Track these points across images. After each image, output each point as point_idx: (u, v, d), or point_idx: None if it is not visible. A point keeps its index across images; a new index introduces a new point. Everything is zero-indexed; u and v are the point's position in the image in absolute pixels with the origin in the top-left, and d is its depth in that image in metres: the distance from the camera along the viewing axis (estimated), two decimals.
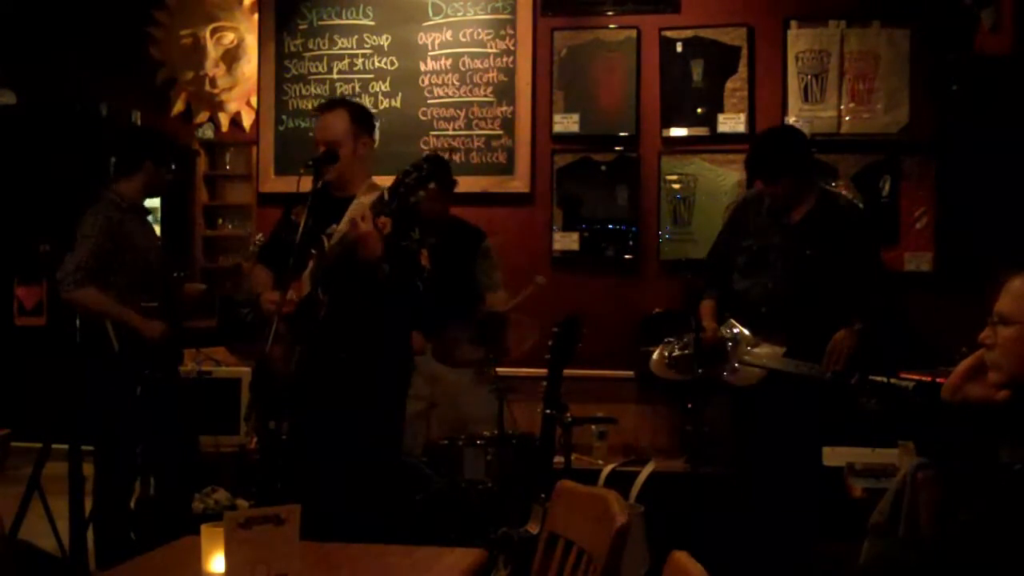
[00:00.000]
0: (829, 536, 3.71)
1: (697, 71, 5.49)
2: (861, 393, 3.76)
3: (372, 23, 5.86)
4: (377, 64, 5.86)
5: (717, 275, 4.22)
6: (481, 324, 4.35)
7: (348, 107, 3.73)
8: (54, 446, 4.27)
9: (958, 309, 4.19)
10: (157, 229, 5.20)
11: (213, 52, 6.13)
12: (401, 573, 2.25)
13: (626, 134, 5.57)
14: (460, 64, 5.75)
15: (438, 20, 5.78)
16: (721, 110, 5.45)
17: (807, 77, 5.40)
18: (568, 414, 4.04)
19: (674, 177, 5.52)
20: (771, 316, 4.00)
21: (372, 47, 5.86)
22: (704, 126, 5.48)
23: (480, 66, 5.73)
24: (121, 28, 6.20)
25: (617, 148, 5.59)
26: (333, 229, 3.50)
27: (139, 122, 6.19)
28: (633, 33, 5.56)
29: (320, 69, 5.92)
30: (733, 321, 4.10)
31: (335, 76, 5.90)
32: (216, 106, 6.16)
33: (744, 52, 5.43)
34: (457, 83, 5.75)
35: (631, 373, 5.33)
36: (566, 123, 5.62)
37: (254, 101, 6.07)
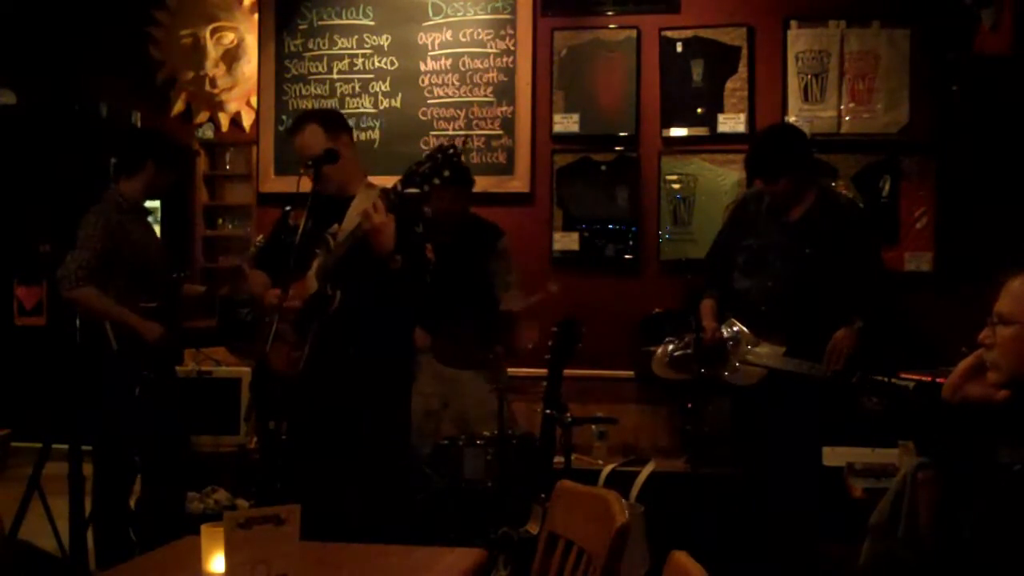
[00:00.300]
0: (829, 536, 3.71)
1: (697, 71, 5.49)
2: (862, 392, 3.76)
3: (372, 23, 5.87)
4: (377, 64, 5.86)
5: (717, 274, 4.21)
6: (488, 322, 4.37)
7: (315, 119, 3.71)
8: (54, 446, 4.27)
9: (958, 309, 4.20)
10: (157, 229, 5.21)
11: (213, 52, 6.12)
12: (401, 573, 2.25)
13: (626, 134, 5.57)
14: (460, 64, 5.76)
15: (438, 20, 5.79)
16: (721, 110, 5.45)
17: (807, 77, 5.40)
18: (568, 414, 4.04)
19: (674, 177, 5.52)
20: (771, 315, 4.00)
21: (372, 47, 5.86)
22: (704, 126, 5.48)
23: (480, 66, 5.73)
24: (121, 28, 6.20)
25: (617, 148, 5.59)
26: (336, 229, 3.51)
27: (139, 122, 6.19)
28: (633, 33, 5.56)
29: (320, 69, 5.92)
30: (734, 320, 4.10)
31: (335, 76, 5.90)
32: (216, 106, 6.16)
33: (744, 52, 5.43)
34: (457, 83, 5.76)
35: (631, 373, 5.33)
36: (566, 123, 5.62)
37: (254, 101, 6.07)
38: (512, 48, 5.70)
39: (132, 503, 4.32)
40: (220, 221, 6.31)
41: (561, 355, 3.83)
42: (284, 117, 5.95)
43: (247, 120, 6.13)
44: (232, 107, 6.15)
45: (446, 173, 3.26)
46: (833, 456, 4.04)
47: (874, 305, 4.01)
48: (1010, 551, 2.26)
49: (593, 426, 5.00)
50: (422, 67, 5.80)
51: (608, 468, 4.78)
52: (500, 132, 5.70)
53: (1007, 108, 5.02)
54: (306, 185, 3.73)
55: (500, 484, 4.14)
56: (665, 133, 5.54)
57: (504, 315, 4.48)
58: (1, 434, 6.19)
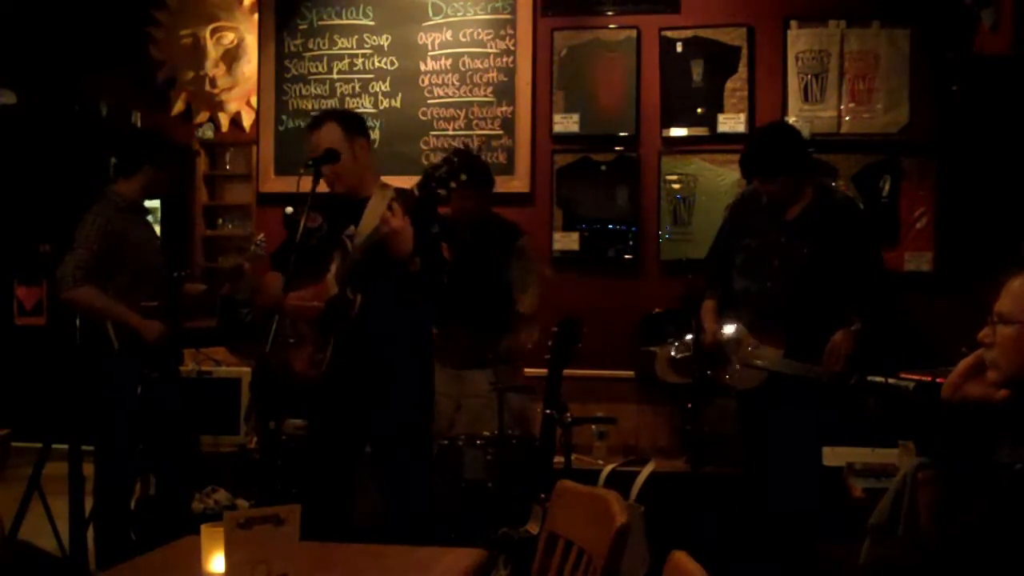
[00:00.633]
0: (829, 536, 3.71)
1: (697, 71, 5.49)
2: (860, 394, 3.76)
3: (372, 23, 5.87)
4: (377, 64, 5.86)
5: (717, 275, 4.21)
6: (496, 322, 4.37)
7: (335, 118, 3.73)
8: (54, 446, 4.27)
9: (958, 309, 4.20)
10: (157, 229, 5.20)
11: (213, 52, 6.12)
12: (401, 573, 2.25)
13: (626, 134, 5.57)
14: (460, 64, 5.76)
15: (438, 20, 5.79)
16: (721, 110, 5.45)
17: (807, 77, 5.40)
18: (568, 414, 4.04)
19: (674, 177, 5.52)
20: (770, 316, 4.00)
21: (372, 47, 5.86)
22: (704, 126, 5.48)
23: (480, 66, 5.73)
24: (121, 28, 6.20)
25: (617, 148, 5.59)
26: (352, 231, 3.53)
27: (139, 122, 6.19)
28: (633, 33, 5.56)
29: (320, 69, 5.92)
30: (734, 321, 4.10)
31: (335, 76, 5.90)
32: (216, 106, 6.16)
33: (744, 52, 5.43)
34: (457, 83, 5.76)
35: (631, 373, 5.33)
36: (566, 123, 5.62)
37: (254, 101, 6.07)
38: (512, 48, 5.70)
39: (132, 503, 4.32)
40: (220, 221, 6.31)
41: (561, 355, 3.83)
42: (284, 117, 5.96)
43: (247, 120, 6.13)
44: (232, 107, 6.15)
45: (463, 177, 3.29)
46: (833, 456, 4.03)
47: (873, 305, 4.01)
48: (1010, 551, 2.26)
49: (593, 426, 5.00)
50: (422, 67, 5.80)
51: (608, 468, 4.78)
52: (500, 132, 5.70)
53: (1007, 108, 5.01)
54: (306, 185, 3.74)
55: (500, 484, 4.14)
56: (665, 133, 5.54)
57: (512, 315, 4.49)
58: (1, 434, 6.19)
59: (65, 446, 4.22)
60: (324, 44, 5.92)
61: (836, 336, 3.90)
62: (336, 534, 2.89)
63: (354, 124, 3.72)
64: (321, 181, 3.58)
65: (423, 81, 5.80)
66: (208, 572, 1.93)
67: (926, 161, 5.28)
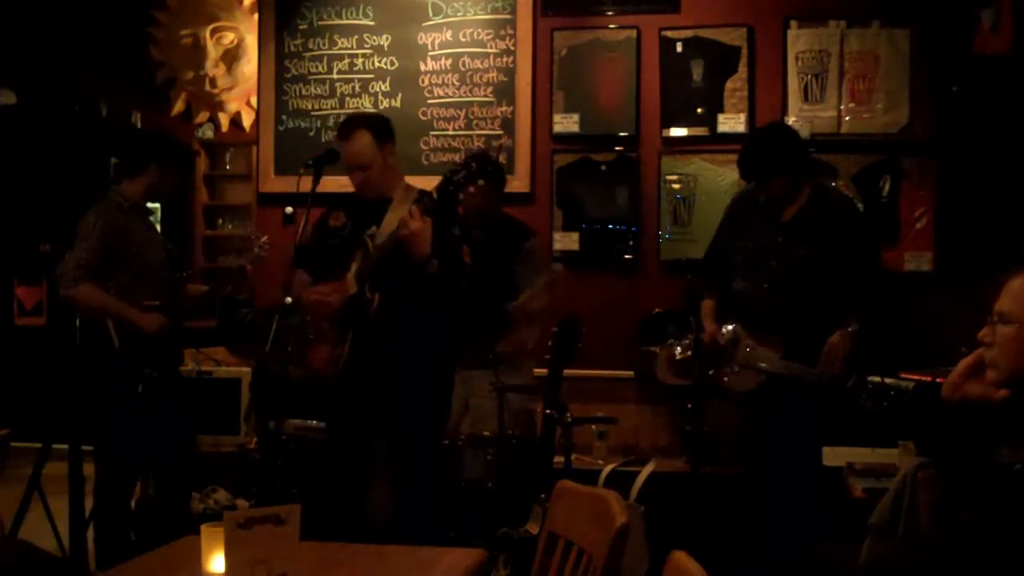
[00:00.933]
0: (829, 536, 3.71)
1: (697, 71, 5.49)
2: (858, 395, 3.76)
3: (372, 23, 5.87)
4: (377, 64, 5.86)
5: (716, 275, 4.21)
6: (497, 321, 4.37)
7: (365, 125, 3.77)
8: (54, 446, 4.27)
9: (958, 309, 4.18)
10: (157, 229, 5.20)
11: (213, 52, 6.12)
12: (401, 573, 2.25)
13: (626, 134, 5.57)
14: (460, 64, 5.76)
15: (438, 20, 5.79)
16: (721, 110, 5.45)
17: (807, 77, 5.40)
18: (568, 414, 4.04)
19: (674, 177, 5.52)
20: (768, 316, 3.99)
21: (372, 47, 5.86)
22: (704, 126, 5.48)
23: (480, 66, 5.73)
24: (121, 28, 6.20)
25: (617, 148, 5.59)
26: (374, 231, 3.55)
27: (139, 122, 6.19)
28: (633, 33, 5.56)
29: (320, 69, 5.92)
30: (732, 322, 4.09)
31: (335, 76, 5.90)
32: (216, 106, 6.16)
33: (744, 52, 5.43)
34: (457, 83, 5.76)
35: (631, 373, 5.33)
36: (566, 123, 5.62)
37: (254, 101, 6.07)
38: (512, 48, 5.70)
39: (132, 503, 4.32)
40: (220, 221, 6.30)
41: (561, 355, 3.84)
42: (284, 117, 5.96)
43: (247, 120, 6.13)
44: (232, 107, 6.15)
45: (481, 182, 3.33)
46: (833, 456, 4.04)
47: (870, 305, 4.00)
48: (1010, 551, 2.26)
49: (593, 426, 5.00)
50: (422, 67, 5.80)
51: (608, 468, 4.78)
52: (500, 132, 5.70)
53: (1007, 108, 5.02)
54: (306, 185, 3.76)
55: (500, 484, 4.14)
56: (665, 133, 5.54)
57: (509, 314, 4.49)
58: (1, 434, 6.19)
59: (65, 446, 4.22)
60: (324, 44, 5.92)
61: (833, 337, 3.90)
62: (346, 532, 2.90)
63: (383, 130, 3.76)
64: (340, 181, 3.63)
65: (423, 81, 5.80)
66: (208, 572, 1.93)
67: (926, 161, 5.28)
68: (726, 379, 4.05)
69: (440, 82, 5.78)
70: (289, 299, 3.75)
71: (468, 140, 5.69)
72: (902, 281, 5.13)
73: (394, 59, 5.84)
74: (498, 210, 4.63)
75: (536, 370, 4.47)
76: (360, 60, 5.88)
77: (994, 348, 2.41)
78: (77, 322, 4.18)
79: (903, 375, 3.71)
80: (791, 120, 5.32)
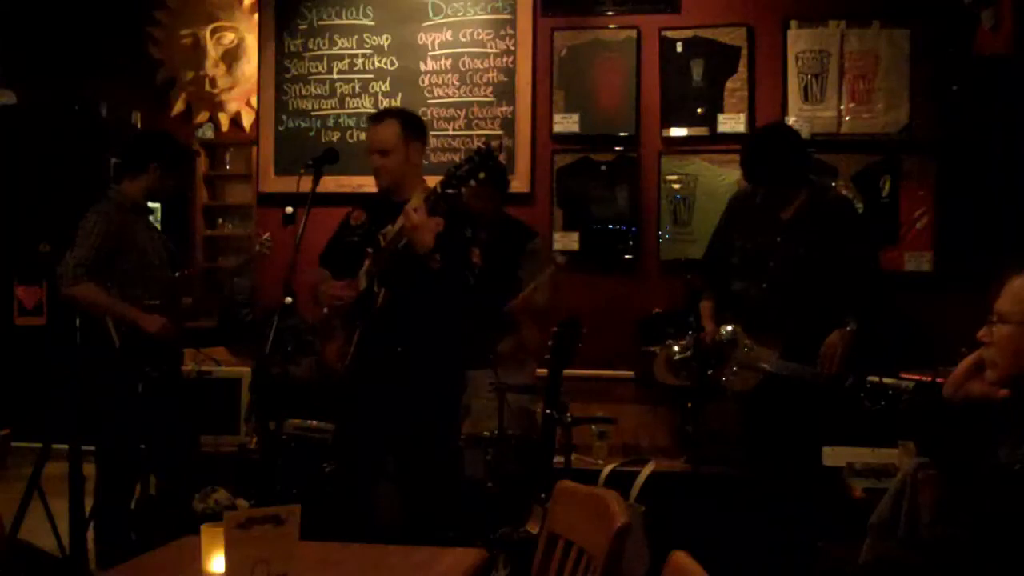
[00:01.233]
0: (829, 536, 3.71)
1: (697, 71, 5.49)
2: (856, 395, 3.76)
3: (372, 23, 5.86)
4: (377, 64, 5.86)
5: (714, 275, 4.21)
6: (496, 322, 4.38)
7: (398, 116, 3.82)
8: (54, 446, 4.27)
9: (958, 309, 4.18)
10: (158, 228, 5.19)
11: (213, 52, 6.12)
12: (401, 573, 2.25)
13: (626, 134, 5.57)
14: (460, 64, 5.75)
15: (438, 20, 5.78)
16: (721, 110, 5.44)
17: (807, 77, 5.39)
18: (568, 414, 4.04)
19: (674, 177, 5.52)
20: (767, 316, 4.00)
21: (372, 47, 5.86)
22: (704, 126, 5.47)
23: (480, 66, 5.73)
24: (121, 28, 6.20)
25: (617, 148, 5.59)
26: (388, 229, 3.57)
27: (139, 122, 6.19)
28: (633, 33, 5.56)
29: (320, 69, 5.92)
30: (731, 322, 4.09)
31: (335, 76, 5.90)
32: (216, 106, 6.16)
33: (744, 52, 5.43)
34: (457, 83, 5.75)
35: (631, 373, 5.33)
36: (566, 123, 5.62)
37: (254, 101, 6.06)
38: (512, 48, 5.70)
39: (132, 503, 4.32)
40: (220, 221, 6.30)
41: (561, 355, 3.84)
42: (284, 117, 5.96)
43: (247, 120, 6.13)
44: (232, 107, 6.15)
45: (482, 175, 3.34)
46: (833, 456, 4.04)
47: (868, 305, 4.00)
48: (1010, 551, 2.26)
49: (593, 426, 5.00)
50: (422, 67, 5.80)
51: (608, 468, 4.77)
52: (500, 132, 5.70)
53: (1007, 108, 5.02)
54: (306, 185, 3.77)
55: (500, 484, 4.14)
56: (665, 133, 5.54)
57: (512, 310, 4.49)
58: (1, 434, 6.19)
59: (65, 446, 4.22)
60: (324, 44, 5.92)
61: (831, 337, 3.90)
62: (353, 532, 2.91)
63: (414, 126, 3.79)
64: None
65: (423, 81, 5.80)
66: (208, 572, 1.93)
67: (926, 161, 5.28)
68: (725, 379, 4.06)
69: (440, 82, 5.78)
70: (289, 299, 3.76)
71: (468, 140, 5.69)
72: (902, 281, 5.13)
73: (394, 59, 5.84)
74: (501, 211, 4.63)
75: (536, 370, 4.47)
76: (360, 60, 5.88)
77: (992, 348, 2.41)
78: (77, 322, 4.18)
79: (903, 375, 3.72)
80: (791, 120, 5.31)
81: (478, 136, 5.70)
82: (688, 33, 5.50)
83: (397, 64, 5.83)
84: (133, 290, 4.11)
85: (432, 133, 5.76)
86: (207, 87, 6.13)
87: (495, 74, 5.72)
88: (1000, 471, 2.33)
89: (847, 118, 5.36)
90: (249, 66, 6.10)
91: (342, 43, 5.89)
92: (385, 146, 3.70)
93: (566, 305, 4.60)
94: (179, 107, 6.19)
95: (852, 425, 4.01)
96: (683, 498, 4.25)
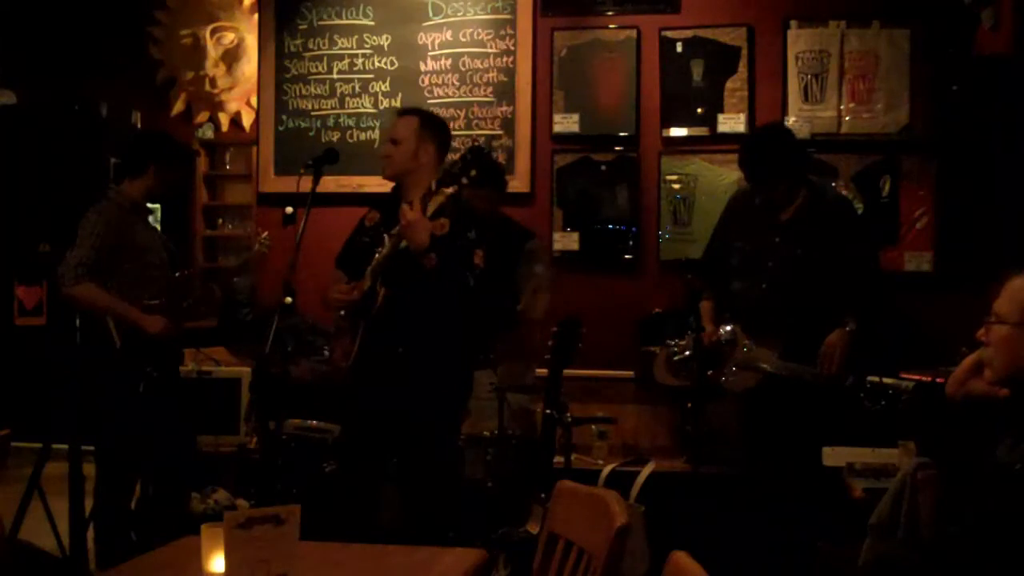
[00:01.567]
0: (829, 536, 3.71)
1: (697, 71, 5.49)
2: (856, 395, 3.76)
3: (372, 23, 5.86)
4: (377, 64, 5.86)
5: (713, 276, 4.21)
6: (496, 322, 4.38)
7: (420, 114, 3.81)
8: (54, 446, 4.27)
9: (958, 309, 4.19)
10: (158, 229, 5.19)
11: (213, 52, 6.12)
12: (401, 573, 2.25)
13: (626, 134, 5.57)
14: (460, 64, 5.75)
15: (438, 20, 5.78)
16: (721, 110, 5.45)
17: (807, 77, 5.39)
18: (568, 414, 4.04)
19: (674, 177, 5.52)
20: (766, 317, 4.00)
21: (372, 47, 5.86)
22: (704, 126, 5.48)
23: (480, 66, 5.73)
24: (121, 28, 6.20)
25: (617, 148, 5.59)
26: (396, 229, 3.58)
27: (139, 122, 6.19)
28: (633, 33, 5.56)
29: (320, 69, 5.92)
30: (730, 322, 4.09)
31: (335, 76, 5.90)
32: (216, 106, 6.16)
33: (744, 52, 5.43)
34: (457, 83, 5.76)
35: (631, 373, 5.33)
36: (566, 123, 5.62)
37: (254, 101, 6.07)
38: (512, 48, 5.70)
39: (132, 503, 4.32)
40: (220, 221, 6.31)
41: (561, 355, 3.83)
42: (284, 117, 5.96)
43: (247, 120, 6.13)
44: (232, 107, 6.15)
45: (473, 172, 3.35)
46: (833, 456, 4.03)
47: (867, 305, 4.00)
48: (1010, 551, 2.26)
49: (593, 426, 5.00)
50: (422, 67, 5.80)
51: (608, 468, 4.78)
52: (500, 132, 5.70)
53: (1007, 108, 5.02)
54: (306, 185, 3.77)
55: (500, 484, 4.14)
56: (665, 133, 5.54)
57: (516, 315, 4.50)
58: (1, 434, 6.19)
59: (65, 446, 4.22)
60: (324, 44, 5.92)
61: (830, 338, 3.90)
62: (353, 532, 2.91)
63: (435, 127, 3.77)
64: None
65: (423, 81, 5.80)
66: (208, 572, 1.93)
67: (926, 161, 5.28)
68: (724, 379, 4.06)
69: (440, 82, 5.78)
70: (289, 299, 3.77)
71: (468, 140, 5.68)
72: (902, 281, 5.13)
73: (394, 59, 5.84)
74: (498, 212, 4.63)
75: (536, 370, 4.47)
76: (360, 60, 5.88)
77: (990, 348, 2.41)
78: (77, 322, 4.18)
79: (903, 375, 3.72)
80: (791, 120, 5.32)
81: (478, 136, 5.70)
82: (688, 33, 5.50)
83: (397, 64, 5.83)
84: (133, 290, 4.11)
85: None
86: (207, 87, 6.13)
87: (495, 74, 5.72)
88: (1000, 470, 2.34)
89: (847, 118, 5.36)
90: (249, 66, 6.10)
91: (342, 43, 5.89)
92: (397, 136, 3.70)
93: (566, 305, 4.60)
94: (179, 107, 6.19)
95: (852, 425, 4.01)
96: (683, 498, 4.25)
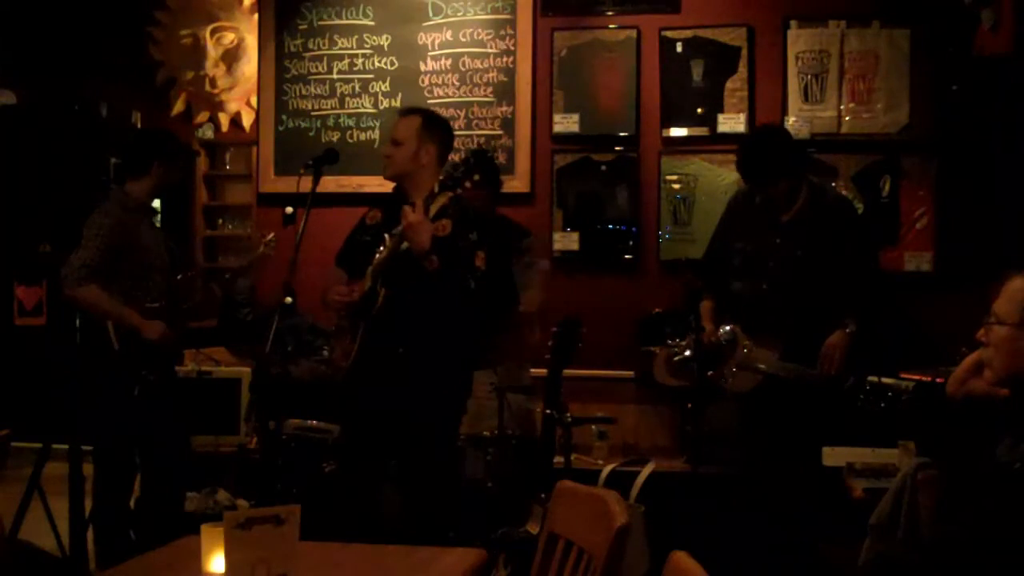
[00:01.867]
0: (829, 536, 3.71)
1: (697, 71, 5.49)
2: (856, 395, 3.76)
3: (372, 23, 5.87)
4: (377, 64, 5.86)
5: (714, 276, 4.21)
6: (496, 322, 4.38)
7: (423, 114, 3.80)
8: (54, 446, 4.27)
9: (958, 309, 4.19)
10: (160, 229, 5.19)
11: (213, 52, 6.13)
12: (401, 573, 2.25)
13: (626, 134, 5.57)
14: (460, 64, 5.76)
15: (438, 20, 5.78)
16: (721, 110, 5.45)
17: (807, 77, 5.40)
18: (568, 414, 4.04)
19: (674, 177, 5.52)
20: (766, 317, 4.00)
21: (372, 47, 5.86)
22: (704, 126, 5.48)
23: (480, 66, 5.73)
24: (121, 28, 6.20)
25: (617, 148, 5.59)
26: (398, 229, 3.58)
27: (139, 122, 6.19)
28: (633, 33, 5.56)
29: (320, 69, 5.92)
30: (730, 323, 4.09)
31: (335, 76, 5.90)
32: (216, 106, 6.16)
33: (744, 52, 5.43)
34: (457, 83, 5.76)
35: (631, 373, 5.33)
36: (566, 123, 5.62)
37: (254, 101, 6.07)
38: (512, 48, 5.70)
39: (132, 503, 4.32)
40: (220, 221, 6.31)
41: (561, 355, 3.83)
42: (284, 117, 5.96)
43: (247, 120, 6.13)
44: (232, 107, 6.15)
45: (476, 177, 3.35)
46: (833, 456, 4.03)
47: (867, 305, 4.00)
48: (1010, 551, 2.26)
49: (593, 426, 5.00)
50: (422, 67, 5.80)
51: (608, 468, 4.77)
52: (500, 132, 5.70)
53: (1007, 108, 5.02)
54: (306, 185, 3.77)
55: (500, 484, 4.14)
56: (665, 133, 5.54)
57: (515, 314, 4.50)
58: (1, 434, 6.19)
59: (65, 446, 4.22)
60: (324, 44, 5.92)
61: (831, 339, 3.90)
62: (353, 532, 2.90)
63: (435, 127, 3.76)
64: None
65: (423, 81, 5.80)
66: (208, 572, 1.93)
67: (926, 161, 5.28)
68: (724, 380, 4.06)
69: (440, 82, 5.78)
70: (289, 299, 3.76)
71: (468, 140, 5.69)
72: (902, 281, 5.13)
73: (394, 59, 5.84)
74: (493, 211, 4.62)
75: (536, 370, 4.47)
76: (360, 60, 5.88)
77: (990, 348, 2.42)
78: (77, 322, 4.18)
79: (903, 375, 3.72)
80: (791, 120, 5.32)
81: (478, 136, 5.70)
82: (688, 33, 5.50)
83: (397, 64, 5.83)
84: (134, 291, 4.10)
85: None
86: (207, 87, 6.13)
87: (495, 74, 5.72)
88: (1000, 470, 2.34)
89: (847, 118, 5.36)
90: (249, 66, 6.10)
91: (342, 43, 5.89)
92: (399, 136, 3.70)
93: (566, 305, 4.60)
94: (179, 107, 6.20)
95: (852, 425, 4.01)
96: (683, 498, 4.25)
